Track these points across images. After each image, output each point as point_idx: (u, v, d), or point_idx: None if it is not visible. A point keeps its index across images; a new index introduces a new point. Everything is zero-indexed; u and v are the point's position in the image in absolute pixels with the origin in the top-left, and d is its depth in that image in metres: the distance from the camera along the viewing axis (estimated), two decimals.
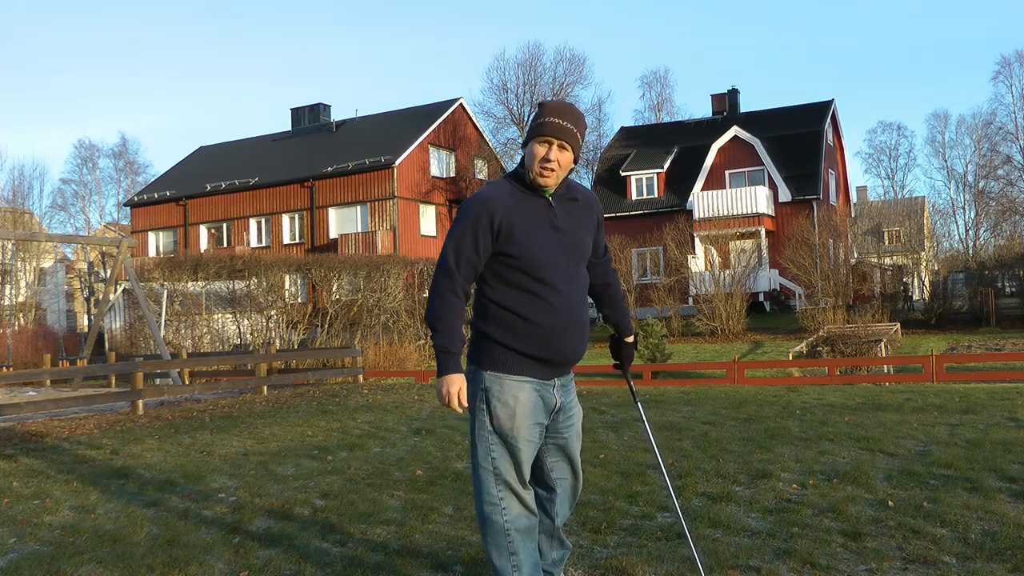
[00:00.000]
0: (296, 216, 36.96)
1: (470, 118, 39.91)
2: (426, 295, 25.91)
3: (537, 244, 2.95)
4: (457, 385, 2.98)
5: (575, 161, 3.03)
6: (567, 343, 3.01)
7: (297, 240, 36.74)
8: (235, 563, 4.06)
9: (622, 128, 42.58)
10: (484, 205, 2.94)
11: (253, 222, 37.76)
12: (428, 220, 36.68)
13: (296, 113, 42.13)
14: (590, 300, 3.31)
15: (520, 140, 41.33)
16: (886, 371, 17.59)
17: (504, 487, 3.01)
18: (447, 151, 38.24)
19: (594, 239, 3.18)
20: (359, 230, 35.06)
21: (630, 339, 3.38)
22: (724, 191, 34.71)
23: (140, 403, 11.37)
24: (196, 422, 9.73)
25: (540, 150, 2.93)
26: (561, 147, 2.93)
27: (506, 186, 3.01)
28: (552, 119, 2.93)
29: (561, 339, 2.99)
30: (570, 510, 3.31)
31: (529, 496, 3.06)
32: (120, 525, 4.83)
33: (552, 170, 2.93)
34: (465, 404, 3.00)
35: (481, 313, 3.03)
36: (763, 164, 35.23)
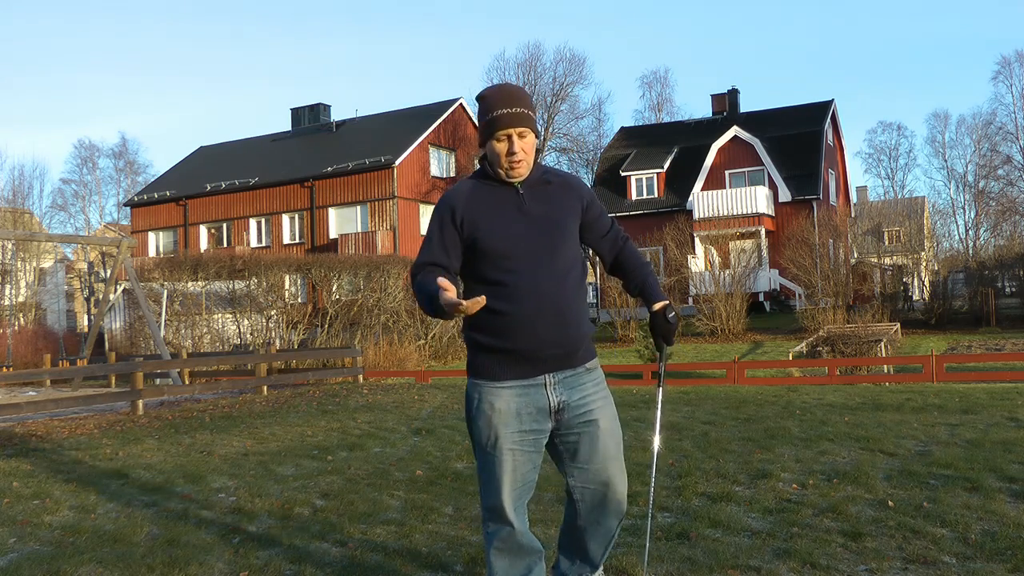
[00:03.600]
0: (296, 216, 36.96)
1: (470, 118, 39.89)
2: None
3: (501, 231, 2.83)
4: (450, 290, 2.59)
5: (538, 137, 2.95)
6: (537, 330, 2.79)
7: (297, 240, 36.73)
8: (235, 563, 4.06)
9: (622, 128, 42.59)
10: (446, 201, 2.90)
11: (253, 222, 37.75)
12: (428, 220, 36.65)
13: (296, 113, 42.13)
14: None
15: None
16: (886, 371, 17.58)
17: (487, 501, 2.89)
18: (447, 151, 38.24)
19: (589, 218, 3.00)
20: (359, 230, 35.05)
21: (658, 305, 3.00)
22: (724, 191, 34.72)
23: (140, 403, 11.37)
24: (196, 422, 9.72)
25: (502, 147, 2.81)
26: (520, 135, 2.81)
27: (470, 182, 2.94)
28: (501, 111, 2.80)
29: (530, 326, 2.78)
30: (606, 522, 2.96)
31: (513, 512, 2.86)
32: (120, 525, 4.83)
33: (520, 160, 2.83)
34: (464, 303, 2.58)
35: (465, 320, 2.85)
36: (763, 164, 35.24)
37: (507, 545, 2.90)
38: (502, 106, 2.80)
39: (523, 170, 2.86)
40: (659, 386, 3.22)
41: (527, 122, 2.82)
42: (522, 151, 2.82)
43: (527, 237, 2.83)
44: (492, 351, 2.84)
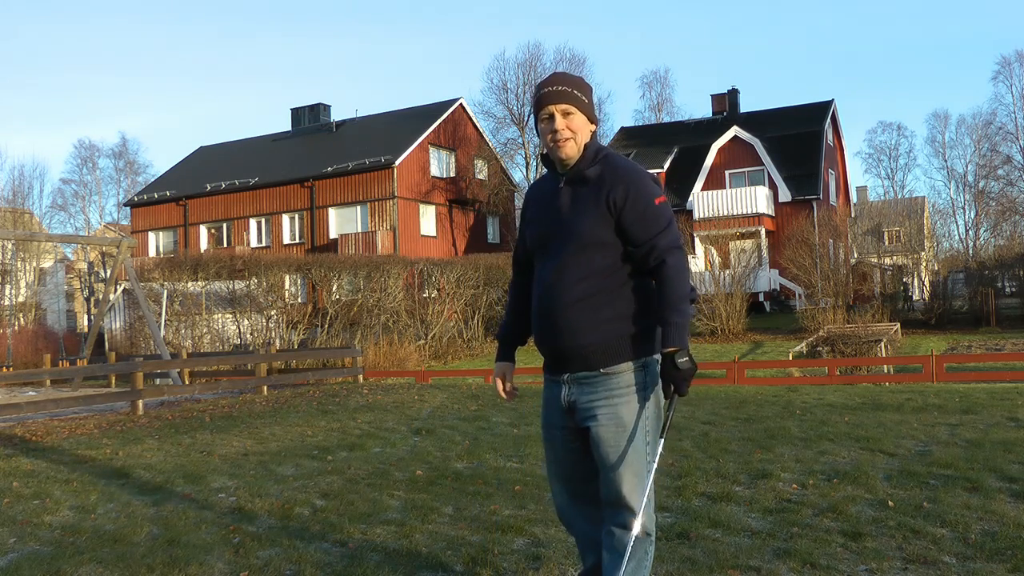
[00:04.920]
0: (296, 216, 36.96)
1: (470, 118, 39.90)
2: (425, 295, 26.05)
3: (533, 228, 2.94)
4: (496, 372, 3.11)
5: (594, 122, 2.84)
6: (539, 331, 2.89)
7: (297, 240, 36.73)
8: (235, 563, 4.06)
9: (622, 128, 42.60)
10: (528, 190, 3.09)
11: (253, 222, 37.75)
12: (428, 220, 36.68)
13: (296, 113, 42.13)
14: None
15: (520, 140, 41.30)
16: (886, 371, 17.58)
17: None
18: (447, 151, 38.23)
19: (621, 222, 2.74)
20: (359, 230, 35.05)
21: (667, 349, 2.71)
22: (724, 191, 34.72)
23: (140, 403, 11.36)
24: (196, 422, 9.72)
25: (545, 126, 2.79)
26: (565, 112, 2.76)
27: (545, 173, 3.01)
28: (545, 89, 2.79)
29: (536, 327, 2.90)
30: (606, 539, 2.84)
31: (559, 493, 3.01)
32: (120, 525, 4.83)
33: (565, 138, 2.76)
34: (505, 391, 3.09)
35: None
36: (763, 164, 35.23)
37: (560, 513, 3.08)
38: (547, 85, 2.80)
39: (570, 150, 2.78)
40: (661, 436, 2.84)
41: (568, 99, 2.75)
42: (566, 128, 2.75)
43: (545, 235, 2.87)
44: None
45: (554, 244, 2.83)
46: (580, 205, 2.79)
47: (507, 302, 3.17)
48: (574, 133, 2.76)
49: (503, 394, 3.09)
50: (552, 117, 2.76)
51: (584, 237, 2.76)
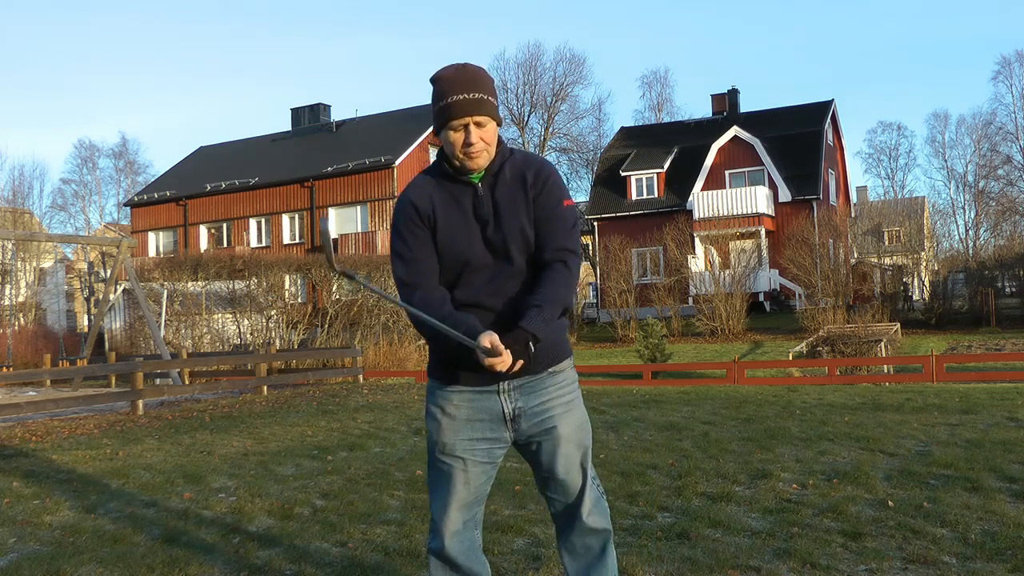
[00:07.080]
0: (296, 216, 36.97)
1: None
2: None
3: (452, 237, 2.56)
4: (490, 337, 2.42)
5: (499, 123, 2.60)
6: None
7: (297, 240, 36.74)
8: (235, 563, 4.06)
9: (622, 128, 42.61)
10: (406, 199, 2.60)
11: (253, 222, 37.76)
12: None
13: (296, 113, 42.12)
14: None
15: (520, 140, 41.20)
16: (886, 371, 17.59)
17: (434, 509, 2.70)
18: None
19: (535, 213, 2.58)
20: (359, 230, 35.07)
21: (528, 329, 2.42)
22: (724, 191, 34.72)
23: (140, 403, 11.37)
24: (196, 422, 9.72)
25: (457, 137, 2.50)
26: (479, 124, 2.50)
27: (426, 177, 2.64)
28: (456, 97, 2.48)
29: None
30: (580, 540, 2.73)
31: (454, 525, 2.68)
32: (120, 525, 4.83)
33: (478, 152, 2.51)
34: (505, 355, 2.42)
35: None
36: (763, 164, 35.24)
37: (442, 562, 2.72)
38: (459, 91, 2.49)
39: (482, 161, 2.54)
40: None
41: (486, 109, 2.51)
42: (480, 141, 2.51)
43: (482, 246, 2.57)
44: (447, 358, 2.60)
45: (488, 251, 2.57)
46: (507, 205, 2.58)
47: (437, 308, 2.51)
48: (488, 144, 2.54)
49: (498, 346, 2.39)
50: (467, 128, 2.49)
51: (523, 239, 2.57)
